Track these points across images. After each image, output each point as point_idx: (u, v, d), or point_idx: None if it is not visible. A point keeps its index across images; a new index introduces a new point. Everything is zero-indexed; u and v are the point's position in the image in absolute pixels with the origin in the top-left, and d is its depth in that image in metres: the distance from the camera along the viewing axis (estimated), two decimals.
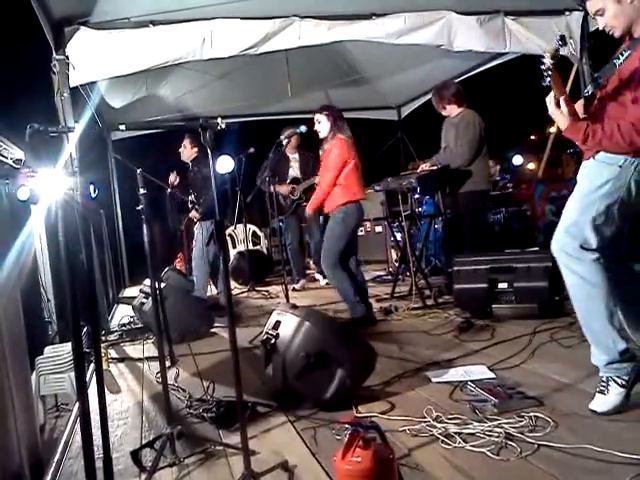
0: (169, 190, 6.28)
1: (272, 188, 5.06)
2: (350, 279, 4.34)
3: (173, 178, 6.29)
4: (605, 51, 2.71)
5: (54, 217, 1.73)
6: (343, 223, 4.25)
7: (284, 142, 5.44)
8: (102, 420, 1.79)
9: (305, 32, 4.94)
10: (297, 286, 6.95)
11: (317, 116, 4.36)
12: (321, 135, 4.39)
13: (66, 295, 1.64)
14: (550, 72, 2.24)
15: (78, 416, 2.78)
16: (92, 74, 4.69)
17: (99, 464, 1.76)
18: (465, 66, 7.34)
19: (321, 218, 6.47)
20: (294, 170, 6.85)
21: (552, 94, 2.30)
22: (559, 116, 2.30)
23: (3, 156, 3.73)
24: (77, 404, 2.96)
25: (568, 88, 6.35)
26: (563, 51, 2.69)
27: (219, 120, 2.18)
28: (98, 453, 1.81)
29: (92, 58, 4.56)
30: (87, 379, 3.03)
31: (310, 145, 4.90)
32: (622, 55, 2.26)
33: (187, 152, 5.96)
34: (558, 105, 2.29)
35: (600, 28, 2.35)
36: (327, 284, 6.68)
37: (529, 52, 5.46)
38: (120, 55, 4.64)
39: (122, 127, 4.91)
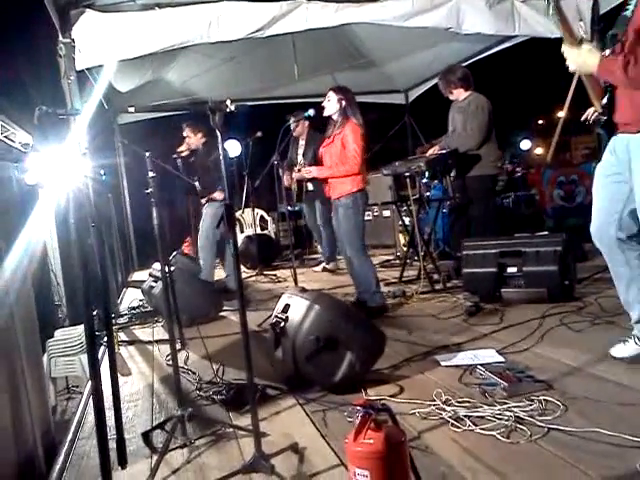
0: (175, 156, 5.98)
1: (281, 172, 5.02)
2: (374, 268, 4.36)
3: (184, 148, 6.06)
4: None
5: (65, 201, 1.73)
6: (357, 209, 4.21)
7: (292, 126, 5.41)
8: (115, 401, 1.80)
9: (312, 15, 4.87)
10: (328, 266, 6.91)
11: (330, 93, 4.28)
12: (325, 113, 4.31)
13: (76, 279, 1.65)
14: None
15: (90, 397, 2.80)
16: (98, 57, 4.65)
17: (112, 445, 1.78)
18: (473, 49, 7.27)
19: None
20: (300, 156, 6.74)
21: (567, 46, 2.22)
22: (585, 54, 2.19)
23: (11, 140, 3.73)
24: (89, 386, 2.98)
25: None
26: None
27: (228, 102, 2.17)
28: (110, 434, 1.83)
29: (98, 41, 4.52)
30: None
31: (322, 129, 4.86)
32: (629, 5, 2.20)
33: (194, 140, 5.91)
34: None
35: None
36: (324, 269, 6.74)
37: (538, 35, 5.38)
38: (126, 38, 4.60)
39: (131, 109, 4.88)
